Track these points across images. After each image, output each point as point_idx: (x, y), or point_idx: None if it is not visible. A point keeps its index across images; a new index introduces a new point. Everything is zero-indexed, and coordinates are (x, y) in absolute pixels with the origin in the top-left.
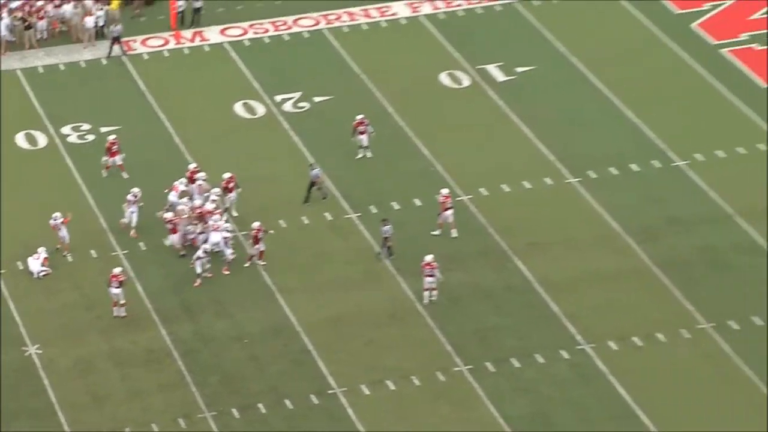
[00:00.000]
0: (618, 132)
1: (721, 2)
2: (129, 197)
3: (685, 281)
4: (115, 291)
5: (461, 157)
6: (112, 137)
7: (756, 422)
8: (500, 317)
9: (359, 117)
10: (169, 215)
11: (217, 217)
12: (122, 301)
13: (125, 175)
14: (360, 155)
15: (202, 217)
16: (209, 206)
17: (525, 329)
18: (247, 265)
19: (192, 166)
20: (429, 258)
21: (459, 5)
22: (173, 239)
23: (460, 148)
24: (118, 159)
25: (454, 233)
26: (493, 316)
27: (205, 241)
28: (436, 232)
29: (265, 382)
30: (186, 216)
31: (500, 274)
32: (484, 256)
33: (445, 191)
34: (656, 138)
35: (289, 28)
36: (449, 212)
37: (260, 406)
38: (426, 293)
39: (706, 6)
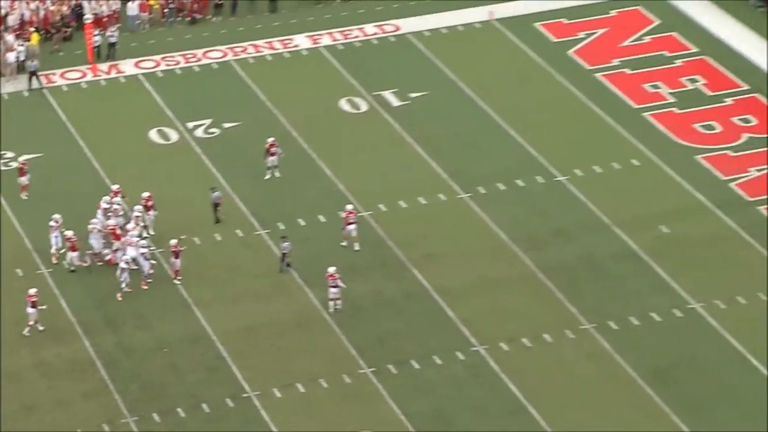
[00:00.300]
0: (504, 151)
1: (594, 31)
2: (51, 223)
3: (569, 286)
4: (30, 311)
5: (361, 176)
6: (22, 159)
7: (633, 413)
8: (400, 323)
9: (270, 140)
10: (69, 233)
11: (133, 232)
12: (31, 322)
13: (24, 196)
14: (268, 176)
15: (115, 236)
16: (131, 224)
17: (423, 333)
18: (175, 281)
19: (115, 186)
20: (332, 270)
21: (356, 37)
22: (72, 256)
23: (360, 168)
24: (24, 179)
25: (356, 246)
26: (393, 322)
27: (124, 255)
28: (344, 243)
29: (183, 388)
30: (96, 231)
31: (399, 283)
32: (384, 267)
33: (349, 207)
34: (539, 156)
35: (199, 60)
36: (352, 227)
37: (179, 410)
38: (331, 302)
39: (581, 35)
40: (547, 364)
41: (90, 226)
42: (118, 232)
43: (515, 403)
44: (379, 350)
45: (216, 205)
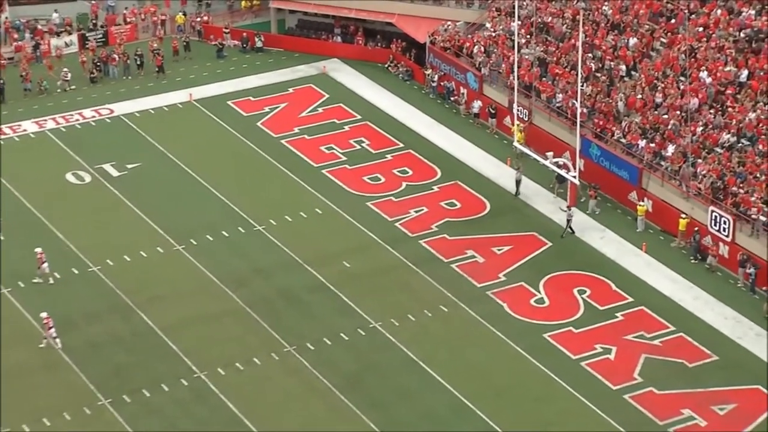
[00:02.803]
0: (210, 208)
1: (277, 105)
2: None
3: (271, 316)
4: None
5: (90, 237)
6: None
7: (331, 417)
8: (131, 357)
9: None
10: None
11: None
12: None
13: None
14: (2, 237)
15: None
16: None
17: (152, 365)
18: None
19: None
20: (43, 315)
21: (77, 120)
22: None
23: (88, 231)
24: None
25: (51, 280)
26: (125, 357)
27: None
28: (38, 280)
29: None
30: None
31: (128, 323)
32: (115, 311)
33: (38, 250)
34: (240, 210)
35: None
36: (45, 265)
37: None
38: (54, 341)
39: (266, 109)
40: (257, 383)
41: None
42: None
43: (233, 417)
44: (115, 383)
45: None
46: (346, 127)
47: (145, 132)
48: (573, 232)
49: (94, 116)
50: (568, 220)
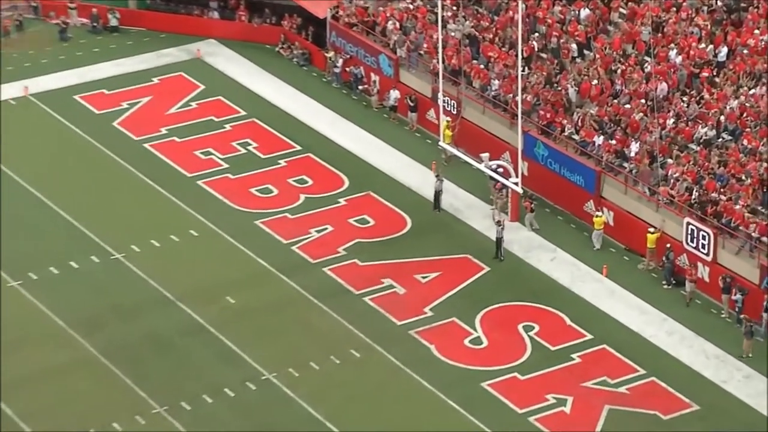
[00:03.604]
0: (54, 233)
1: (138, 100)
2: None
3: (135, 368)
4: None
5: None
6: None
7: None
8: None
9: None
10: None
11: None
12: None
13: None
14: None
15: None
16: None
17: None
18: None
19: None
20: None
21: None
22: None
23: None
24: None
25: None
26: None
27: None
28: None
29: None
30: None
31: None
32: None
33: None
34: (92, 234)
35: None
36: None
37: None
38: None
39: (125, 105)
40: None
41: None
42: None
43: None
44: None
45: None
46: (228, 126)
47: None
48: (501, 257)
49: None
50: (499, 239)
